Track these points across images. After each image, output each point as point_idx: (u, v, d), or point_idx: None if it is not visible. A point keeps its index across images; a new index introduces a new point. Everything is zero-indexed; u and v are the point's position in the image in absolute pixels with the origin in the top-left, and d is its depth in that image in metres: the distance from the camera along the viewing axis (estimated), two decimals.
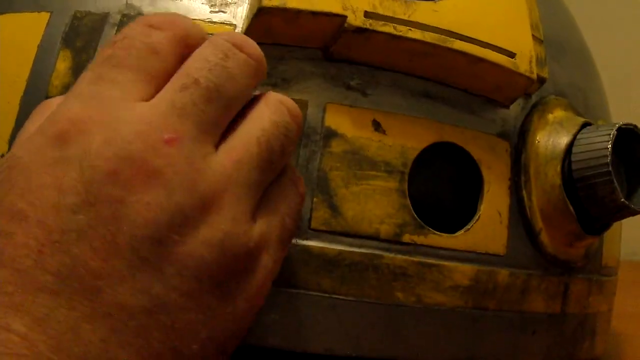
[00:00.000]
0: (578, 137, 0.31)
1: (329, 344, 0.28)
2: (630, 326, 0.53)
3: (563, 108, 0.33)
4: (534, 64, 0.30)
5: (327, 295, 0.28)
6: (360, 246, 0.28)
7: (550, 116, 0.33)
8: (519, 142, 0.32)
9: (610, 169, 0.30)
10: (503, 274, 0.31)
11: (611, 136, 0.30)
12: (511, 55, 0.30)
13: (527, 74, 0.30)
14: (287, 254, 0.26)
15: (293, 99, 0.28)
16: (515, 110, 0.32)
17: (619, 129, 0.31)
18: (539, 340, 0.32)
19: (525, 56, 0.30)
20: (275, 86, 0.29)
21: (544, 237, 0.32)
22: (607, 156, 0.30)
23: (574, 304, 0.34)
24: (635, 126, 0.31)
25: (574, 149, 0.31)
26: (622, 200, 0.30)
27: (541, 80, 0.31)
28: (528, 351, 0.32)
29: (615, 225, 0.38)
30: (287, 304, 0.28)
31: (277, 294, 0.28)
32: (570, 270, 0.33)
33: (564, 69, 0.35)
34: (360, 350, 0.29)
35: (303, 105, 0.29)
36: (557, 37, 0.35)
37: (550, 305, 0.33)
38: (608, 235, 0.36)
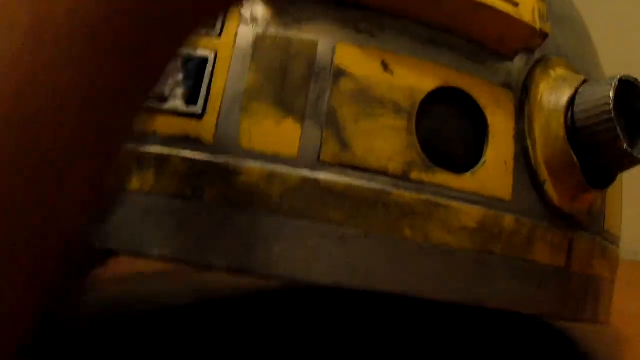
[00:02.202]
0: (580, 89, 0.32)
1: (337, 276, 0.28)
2: (631, 326, 0.53)
3: (564, 67, 0.34)
4: (536, 15, 0.31)
5: (335, 227, 0.28)
6: (369, 181, 0.29)
7: (552, 73, 0.34)
8: (522, 95, 0.33)
9: (612, 116, 0.31)
10: (509, 220, 0.31)
11: (613, 86, 0.31)
12: (515, 4, 0.31)
13: (531, 23, 0.31)
14: None
15: (303, 39, 0.28)
16: (518, 64, 0.33)
17: (620, 80, 0.32)
18: (545, 293, 0.33)
19: (528, 6, 0.31)
20: (286, 26, 0.30)
21: (549, 188, 0.32)
22: (609, 104, 0.31)
23: (578, 262, 0.34)
24: (636, 79, 0.32)
25: (577, 100, 0.32)
26: (625, 147, 0.31)
27: (543, 35, 0.32)
28: (534, 302, 0.32)
29: (617, 194, 0.38)
30: (295, 235, 0.28)
31: (286, 224, 0.28)
32: (575, 226, 0.34)
33: (566, 37, 0.36)
34: (369, 284, 0.29)
35: (313, 44, 0.29)
36: (559, 11, 0.37)
37: (555, 258, 0.33)
38: (610, 200, 0.37)
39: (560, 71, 0.34)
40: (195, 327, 0.51)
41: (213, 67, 0.30)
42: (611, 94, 0.31)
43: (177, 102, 0.30)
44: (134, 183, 0.29)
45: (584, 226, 0.35)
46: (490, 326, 0.55)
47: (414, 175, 0.29)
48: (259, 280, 0.68)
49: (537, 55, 0.34)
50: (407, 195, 0.29)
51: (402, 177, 0.29)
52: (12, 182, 0.17)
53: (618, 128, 0.31)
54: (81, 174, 0.18)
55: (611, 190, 0.37)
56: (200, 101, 0.29)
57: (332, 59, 0.29)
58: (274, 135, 0.29)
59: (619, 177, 0.39)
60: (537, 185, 0.32)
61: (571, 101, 0.32)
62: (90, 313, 0.54)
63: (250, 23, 0.30)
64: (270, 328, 0.51)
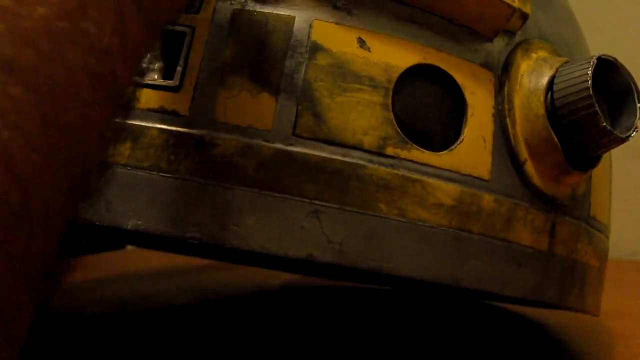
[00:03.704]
0: (560, 69, 0.32)
1: (310, 249, 0.28)
2: (631, 327, 0.52)
3: (547, 51, 0.34)
4: None
5: (309, 201, 0.29)
6: (343, 155, 0.29)
7: (534, 55, 0.34)
8: (502, 74, 0.33)
9: (591, 93, 0.31)
10: (487, 199, 0.31)
11: (591, 64, 0.31)
12: None
13: (509, 1, 0.31)
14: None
15: (280, 14, 0.29)
16: (499, 44, 0.33)
17: (599, 59, 0.31)
18: (525, 275, 0.32)
19: None
20: (264, 2, 0.30)
21: (529, 168, 0.32)
22: (587, 81, 0.31)
23: (562, 246, 0.34)
24: (616, 59, 0.32)
25: (556, 80, 0.32)
26: (604, 124, 0.31)
27: (523, 16, 0.32)
28: (514, 284, 0.32)
29: (604, 182, 0.38)
30: (269, 207, 0.28)
31: (260, 197, 0.28)
32: (557, 208, 0.34)
33: (550, 20, 0.36)
34: (342, 259, 0.29)
35: (290, 20, 0.30)
36: None
37: (536, 240, 0.33)
38: (596, 186, 0.36)
39: (542, 53, 0.34)
40: (195, 327, 0.52)
41: (190, 42, 0.30)
42: (589, 72, 0.31)
43: (154, 76, 0.30)
44: (110, 155, 0.29)
45: (567, 210, 0.34)
46: (484, 327, 0.55)
47: (389, 150, 0.29)
48: (259, 280, 0.68)
49: (519, 37, 0.34)
50: (382, 170, 0.29)
51: (377, 152, 0.29)
52: None
53: (596, 105, 0.31)
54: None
55: (597, 177, 0.37)
56: (177, 75, 0.30)
57: (308, 34, 0.30)
58: (249, 108, 0.29)
59: (606, 165, 0.38)
60: (517, 165, 0.32)
61: (551, 81, 0.32)
62: (90, 313, 0.54)
63: None
64: (270, 328, 0.51)
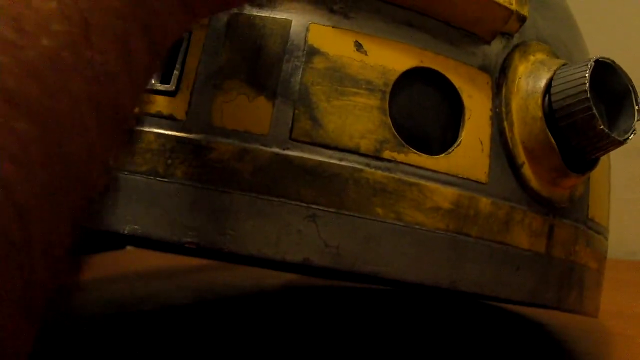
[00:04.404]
0: (557, 71, 0.32)
1: (307, 253, 0.28)
2: (631, 327, 0.52)
3: (545, 53, 0.34)
4: None
5: (306, 205, 0.28)
6: (340, 159, 0.29)
7: (531, 57, 0.34)
8: (500, 76, 0.33)
9: (588, 96, 0.31)
10: (485, 202, 0.31)
11: (589, 66, 0.31)
12: None
13: (506, 4, 0.31)
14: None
15: (277, 18, 0.29)
16: (496, 47, 0.33)
17: (597, 61, 0.31)
18: (523, 278, 0.32)
19: None
20: (260, 6, 0.30)
21: (527, 171, 0.32)
22: (585, 84, 0.31)
23: (560, 248, 0.34)
24: (613, 61, 0.32)
25: (554, 82, 0.32)
26: (601, 127, 0.31)
27: (521, 18, 0.32)
28: (512, 287, 0.32)
29: (603, 184, 0.38)
30: (266, 212, 0.28)
31: (257, 201, 0.28)
32: (555, 211, 0.34)
33: (548, 21, 0.36)
34: (339, 263, 0.29)
35: (287, 24, 0.30)
36: None
37: (534, 243, 0.33)
38: (594, 188, 0.36)
39: (540, 55, 0.34)
40: (195, 327, 0.52)
41: (187, 46, 0.30)
42: (587, 75, 0.31)
43: (151, 80, 0.30)
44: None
45: (565, 212, 0.34)
46: (484, 327, 0.55)
47: (386, 154, 0.29)
48: (259, 280, 0.68)
49: (516, 39, 0.34)
50: (378, 173, 0.29)
51: (374, 156, 0.29)
52: None
53: (594, 108, 0.30)
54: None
55: (596, 178, 0.37)
56: (174, 79, 0.30)
57: (305, 38, 0.30)
58: (246, 112, 0.29)
59: (604, 167, 0.38)
60: (514, 168, 0.32)
61: (549, 83, 0.32)
62: (90, 313, 0.54)
63: None
64: (270, 328, 0.51)
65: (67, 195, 0.18)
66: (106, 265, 0.74)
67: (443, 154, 0.30)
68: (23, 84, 0.17)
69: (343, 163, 0.29)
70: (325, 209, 0.29)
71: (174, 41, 0.23)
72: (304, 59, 0.29)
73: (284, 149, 0.29)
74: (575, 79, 0.31)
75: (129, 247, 0.83)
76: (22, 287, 0.16)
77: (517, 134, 0.32)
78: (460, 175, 0.31)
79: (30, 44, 0.17)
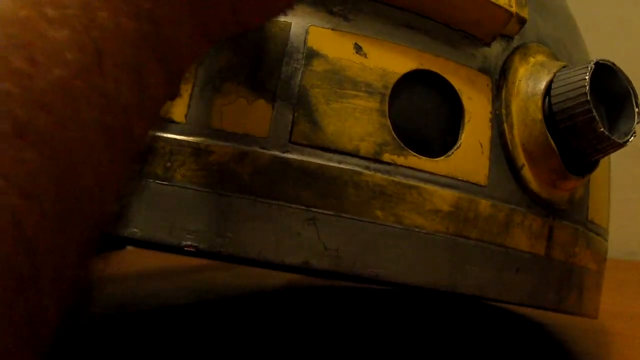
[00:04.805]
0: (557, 74, 0.32)
1: (307, 256, 0.28)
2: (631, 327, 0.52)
3: (545, 55, 0.34)
4: (513, 0, 0.31)
5: (305, 208, 0.28)
6: (340, 162, 0.29)
7: (531, 59, 0.33)
8: (500, 78, 0.33)
9: (588, 98, 0.30)
10: (484, 204, 0.31)
11: (589, 69, 0.31)
12: None
13: (506, 6, 0.31)
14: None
15: (276, 20, 0.29)
16: (496, 49, 0.33)
17: (597, 63, 0.31)
18: (523, 280, 0.32)
19: None
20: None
21: (527, 173, 0.32)
22: (585, 86, 0.31)
23: (560, 250, 0.34)
24: (613, 63, 0.32)
25: (554, 84, 0.32)
26: (602, 129, 0.31)
27: (521, 20, 0.32)
28: (511, 289, 0.32)
29: (603, 185, 0.38)
30: (265, 215, 0.28)
31: (256, 204, 0.28)
32: (555, 213, 0.33)
33: (548, 23, 0.36)
34: (339, 266, 0.29)
35: (286, 26, 0.30)
36: None
37: (534, 245, 0.33)
38: (594, 190, 0.36)
39: (540, 57, 0.34)
40: (195, 327, 0.52)
41: None
42: (587, 77, 0.31)
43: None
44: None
45: (565, 214, 0.34)
46: (484, 327, 0.55)
47: (386, 157, 0.29)
48: (259, 280, 0.68)
49: (517, 42, 0.34)
50: (378, 176, 0.29)
51: (374, 159, 0.29)
52: None
53: (594, 111, 0.30)
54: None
55: (595, 180, 0.36)
56: None
57: (304, 41, 0.30)
58: (246, 115, 0.29)
59: (604, 168, 0.38)
60: (514, 170, 0.32)
61: (549, 85, 0.32)
62: (90, 313, 0.54)
63: None
64: (270, 328, 0.51)
65: (78, 227, 0.17)
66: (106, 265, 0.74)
67: (443, 157, 0.30)
68: (33, 115, 0.16)
69: (342, 166, 0.29)
70: (325, 211, 0.29)
71: (189, 67, 0.23)
72: (303, 62, 0.29)
73: (283, 152, 0.29)
74: (575, 81, 0.31)
75: (129, 247, 0.83)
76: (29, 318, 0.16)
77: (517, 136, 0.32)
78: (460, 178, 0.31)
79: (41, 74, 0.17)
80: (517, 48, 0.33)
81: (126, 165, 0.20)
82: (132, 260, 0.81)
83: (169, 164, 0.29)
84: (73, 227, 0.17)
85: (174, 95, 0.22)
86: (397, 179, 0.29)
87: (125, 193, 0.20)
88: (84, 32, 0.18)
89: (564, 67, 0.33)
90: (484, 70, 0.32)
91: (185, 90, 0.29)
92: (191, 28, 0.22)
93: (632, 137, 0.32)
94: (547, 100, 0.32)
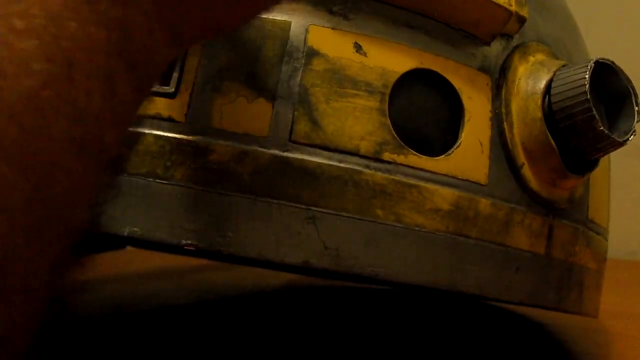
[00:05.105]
0: (557, 73, 0.32)
1: (307, 256, 0.28)
2: (631, 327, 0.52)
3: (545, 54, 0.34)
4: None
5: (305, 207, 0.28)
6: (340, 161, 0.29)
7: (531, 58, 0.33)
8: (499, 78, 0.33)
9: (588, 97, 0.30)
10: (484, 203, 0.31)
11: (589, 67, 0.31)
12: None
13: (506, 5, 0.31)
14: None
15: (276, 20, 0.29)
16: (496, 48, 0.33)
17: (597, 62, 0.31)
18: (523, 279, 0.32)
19: None
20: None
21: (527, 172, 0.32)
22: (584, 85, 0.31)
23: (559, 249, 0.34)
24: (613, 62, 0.32)
25: (553, 83, 0.32)
26: (601, 128, 0.31)
27: (520, 19, 0.32)
28: (511, 288, 0.32)
29: (603, 185, 0.38)
30: (265, 214, 0.28)
31: (256, 203, 0.28)
32: (555, 212, 0.33)
33: (547, 22, 0.36)
34: (339, 265, 0.29)
35: (286, 25, 0.30)
36: None
37: (534, 244, 0.33)
38: (594, 189, 0.36)
39: (539, 56, 0.34)
40: (195, 327, 0.52)
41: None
42: (587, 76, 0.31)
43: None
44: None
45: (565, 213, 0.34)
46: (484, 327, 0.55)
47: (386, 155, 0.29)
48: (259, 280, 0.68)
49: (516, 41, 0.34)
50: (378, 175, 0.29)
51: (374, 158, 0.29)
52: None
53: (594, 109, 0.30)
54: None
55: (595, 179, 0.36)
56: (173, 81, 0.30)
57: (304, 40, 0.30)
58: (246, 114, 0.29)
59: (604, 167, 0.38)
60: (514, 169, 0.32)
61: (549, 84, 0.32)
62: (90, 313, 0.54)
63: None
64: (271, 328, 0.51)
65: (48, 238, 0.17)
66: (106, 265, 0.74)
67: (443, 156, 0.30)
68: (2, 128, 0.16)
69: (343, 165, 0.29)
70: (325, 211, 0.29)
71: (161, 74, 0.23)
72: (303, 61, 0.29)
73: (283, 151, 0.29)
74: (575, 80, 0.31)
75: (129, 247, 0.83)
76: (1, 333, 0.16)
77: (517, 135, 0.32)
78: (460, 177, 0.31)
79: (10, 85, 0.17)
80: (516, 47, 0.33)
81: (99, 172, 0.19)
82: (132, 260, 0.81)
83: (169, 163, 0.29)
84: (44, 237, 0.17)
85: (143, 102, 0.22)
86: (397, 177, 0.29)
87: (100, 200, 0.20)
88: (53, 43, 0.18)
89: (563, 66, 0.33)
90: (483, 69, 0.32)
91: (185, 89, 0.29)
92: (161, 35, 0.21)
93: (631, 136, 0.32)
94: (546, 99, 0.32)
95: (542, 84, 0.32)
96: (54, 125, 0.17)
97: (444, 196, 0.30)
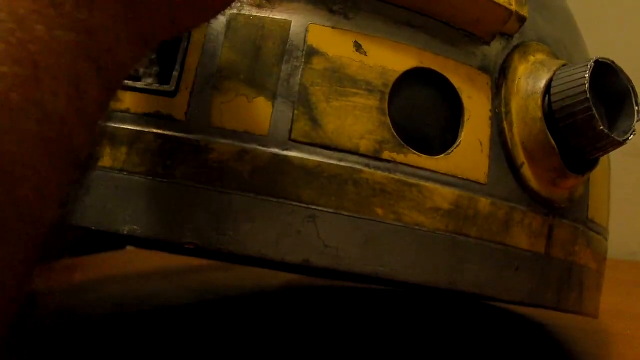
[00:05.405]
0: (557, 72, 0.32)
1: (307, 254, 0.28)
2: (631, 327, 0.52)
3: (545, 53, 0.34)
4: None
5: (305, 205, 0.28)
6: (339, 159, 0.29)
7: (531, 57, 0.34)
8: (499, 77, 0.33)
9: (588, 96, 0.31)
10: (484, 202, 0.31)
11: (589, 67, 0.31)
12: None
13: (506, 5, 0.31)
14: None
15: (276, 18, 0.29)
16: (496, 47, 0.33)
17: (597, 62, 0.31)
18: (522, 278, 0.32)
19: None
20: (260, 7, 0.30)
21: (526, 171, 0.32)
22: (584, 84, 0.31)
23: (559, 249, 0.34)
24: (613, 61, 0.32)
25: (553, 83, 0.32)
26: (601, 127, 0.31)
27: (520, 19, 0.32)
28: (511, 287, 0.32)
29: (603, 184, 0.38)
30: (265, 212, 0.28)
31: (256, 201, 0.28)
32: (555, 211, 0.33)
33: (547, 22, 0.36)
34: (338, 264, 0.29)
35: (286, 24, 0.30)
36: None
37: (534, 243, 0.33)
38: (594, 188, 0.36)
39: (539, 56, 0.34)
40: (195, 327, 0.52)
41: (187, 47, 0.30)
42: (586, 75, 0.31)
43: (150, 80, 0.30)
44: (106, 160, 0.29)
45: (565, 212, 0.34)
46: (484, 327, 0.55)
47: (386, 154, 0.29)
48: (259, 280, 0.68)
49: (516, 40, 0.34)
50: (378, 174, 0.29)
51: (374, 157, 0.29)
52: None
53: (594, 109, 0.30)
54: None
55: (595, 178, 0.37)
56: (173, 80, 0.30)
57: (304, 39, 0.30)
58: (245, 113, 0.29)
59: (604, 167, 0.38)
60: (514, 168, 0.32)
61: (549, 84, 0.32)
62: (90, 313, 0.54)
63: None
64: (270, 328, 0.51)
65: (19, 240, 0.17)
66: (106, 265, 0.74)
67: (442, 155, 0.30)
68: None
69: (342, 163, 0.29)
70: (325, 209, 0.29)
71: (128, 73, 0.23)
72: (303, 60, 0.29)
73: (283, 150, 0.29)
74: (574, 80, 0.31)
75: (129, 247, 0.84)
76: None
77: (516, 134, 0.32)
78: (460, 176, 0.31)
79: None
80: (516, 46, 0.34)
81: (68, 171, 0.19)
82: (132, 260, 0.81)
83: (168, 162, 0.29)
84: (13, 239, 0.17)
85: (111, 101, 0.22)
86: (397, 176, 0.29)
87: (70, 199, 0.20)
88: (20, 46, 0.18)
89: (563, 65, 0.33)
90: (483, 68, 0.32)
91: (185, 88, 0.29)
92: (127, 36, 0.22)
93: (631, 135, 0.32)
94: (546, 98, 0.32)
95: (542, 83, 0.32)
96: (21, 127, 0.17)
97: (444, 195, 0.30)
